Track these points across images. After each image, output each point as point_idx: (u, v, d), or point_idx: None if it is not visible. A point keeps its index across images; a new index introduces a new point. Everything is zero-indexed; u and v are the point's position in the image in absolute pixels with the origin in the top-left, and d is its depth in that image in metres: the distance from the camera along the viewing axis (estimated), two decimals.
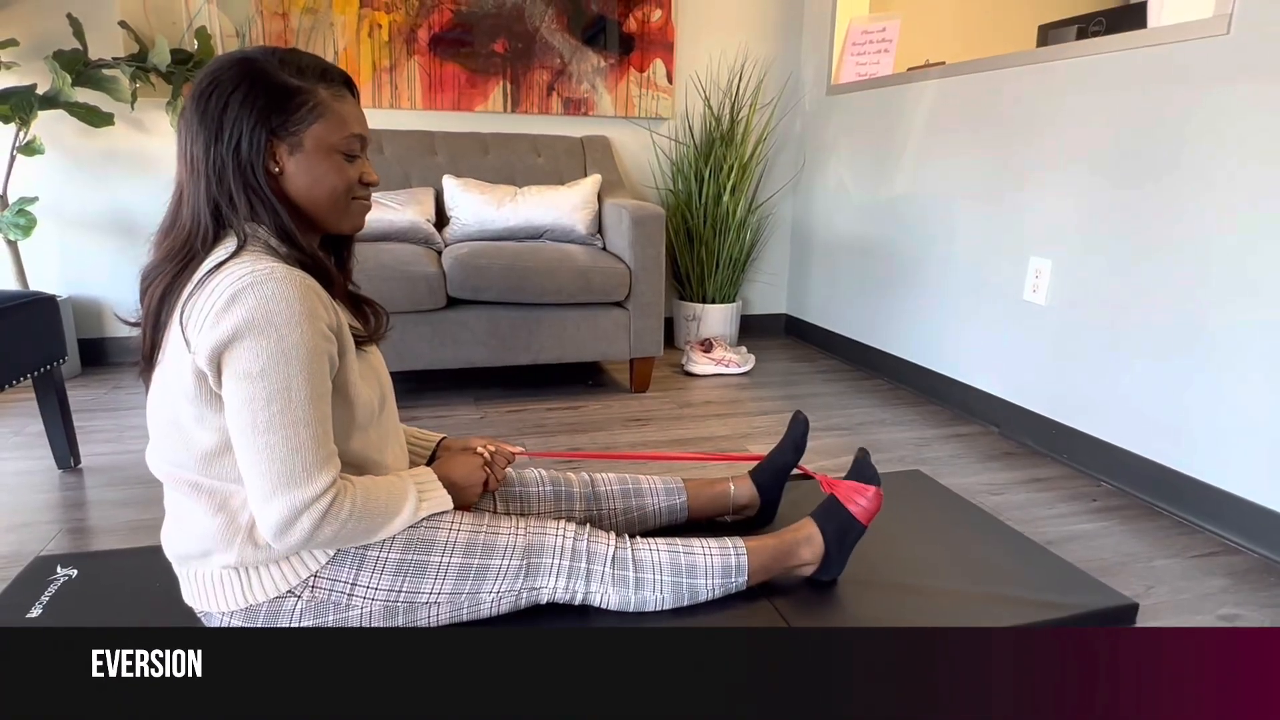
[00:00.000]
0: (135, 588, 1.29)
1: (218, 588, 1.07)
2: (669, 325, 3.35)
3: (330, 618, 1.09)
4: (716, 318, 3.18)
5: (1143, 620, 1.34)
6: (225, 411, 0.98)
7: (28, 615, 1.21)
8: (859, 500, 1.32)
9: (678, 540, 1.27)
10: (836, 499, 1.35)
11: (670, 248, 3.24)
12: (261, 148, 1.01)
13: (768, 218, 3.45)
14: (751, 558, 1.29)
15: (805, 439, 1.56)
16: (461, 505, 1.26)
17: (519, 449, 1.39)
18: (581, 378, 2.75)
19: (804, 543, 1.33)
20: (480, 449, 1.32)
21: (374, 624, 1.12)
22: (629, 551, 1.23)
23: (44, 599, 1.25)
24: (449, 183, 2.74)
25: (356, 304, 1.22)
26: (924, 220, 2.59)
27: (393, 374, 2.79)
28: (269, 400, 0.96)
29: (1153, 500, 1.83)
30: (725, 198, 3.08)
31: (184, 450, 1.03)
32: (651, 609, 1.24)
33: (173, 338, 1.00)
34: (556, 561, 1.19)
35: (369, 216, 2.34)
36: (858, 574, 1.40)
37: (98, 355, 2.84)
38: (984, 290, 2.34)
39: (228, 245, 1.01)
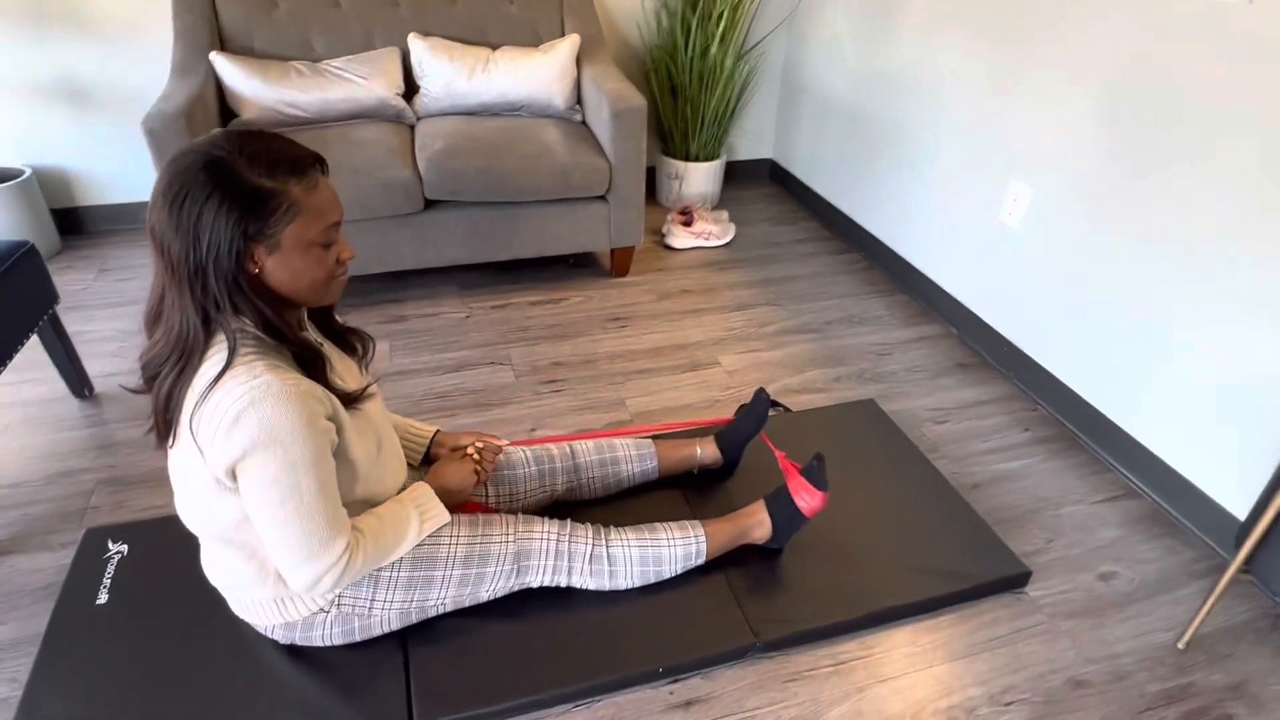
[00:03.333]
0: (185, 564, 1.49)
1: (258, 610, 1.29)
2: (651, 177, 3.29)
3: (355, 625, 1.32)
4: (699, 176, 3.12)
5: (1032, 584, 1.60)
6: (244, 504, 1.12)
7: (97, 602, 1.43)
8: (807, 498, 1.50)
9: (646, 535, 1.47)
10: (788, 491, 1.53)
11: (653, 101, 3.08)
12: (240, 254, 1.04)
13: (760, 58, 3.23)
14: (710, 542, 1.51)
15: (766, 416, 1.71)
16: (458, 504, 1.44)
17: (504, 442, 1.54)
18: (563, 259, 2.78)
19: (756, 525, 1.55)
20: (470, 448, 1.47)
21: (392, 626, 1.35)
22: (604, 549, 1.44)
23: (106, 581, 1.47)
24: (416, 45, 2.54)
25: (344, 338, 1.30)
26: (915, 102, 2.48)
27: (377, 275, 2.80)
28: (282, 502, 1.09)
29: (1078, 433, 2.03)
30: (713, 48, 2.87)
31: (210, 518, 1.18)
32: (624, 588, 1.48)
33: (185, 433, 1.10)
34: (542, 563, 1.40)
35: (334, 94, 2.40)
36: (798, 535, 1.62)
37: (75, 225, 2.82)
38: (961, 198, 2.33)
39: (219, 349, 1.07)
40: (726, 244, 2.95)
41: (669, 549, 1.48)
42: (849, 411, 2.03)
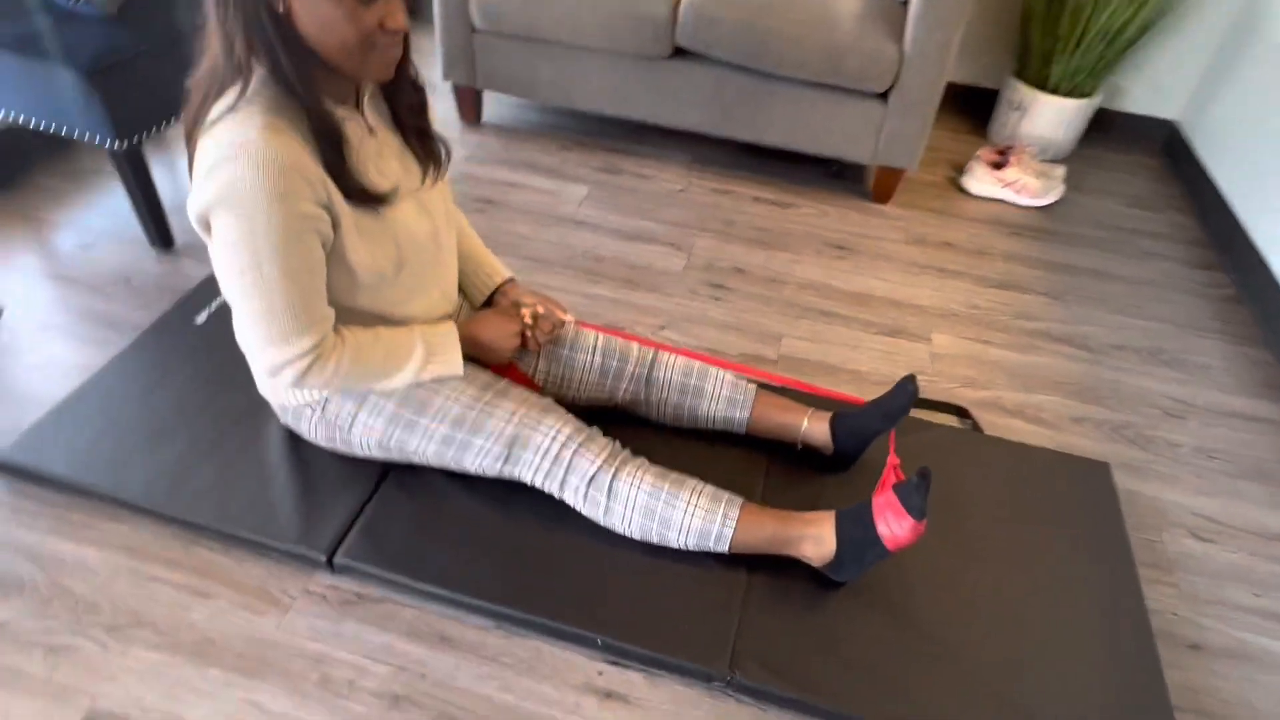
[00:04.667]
0: None
1: (260, 381, 1.26)
2: (987, 102, 2.61)
3: (337, 436, 1.24)
4: (1050, 114, 2.39)
5: None
6: None
7: (195, 321, 1.53)
8: (892, 524, 1.09)
9: (666, 486, 1.18)
10: (871, 509, 1.12)
11: (1024, 5, 2.37)
12: None
13: None
14: (741, 532, 1.17)
15: (902, 413, 1.25)
16: (499, 366, 1.27)
17: (569, 318, 1.31)
18: (823, 163, 2.34)
19: (810, 540, 1.16)
20: (526, 312, 1.27)
21: (372, 453, 1.25)
22: (609, 479, 1.18)
23: (213, 306, 1.57)
24: None
25: (418, 138, 1.15)
26: None
27: (610, 118, 2.61)
28: (241, 271, 0.99)
29: None
30: None
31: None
32: (619, 532, 1.21)
33: None
34: (536, 461, 1.19)
35: None
36: (877, 577, 1.19)
37: None
38: None
39: (232, 92, 0.97)
40: (1042, 207, 2.26)
41: (685, 515, 1.16)
42: (1064, 467, 1.43)
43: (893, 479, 1.16)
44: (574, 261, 1.87)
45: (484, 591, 1.14)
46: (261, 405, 1.35)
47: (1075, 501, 1.37)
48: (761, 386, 1.39)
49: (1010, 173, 2.24)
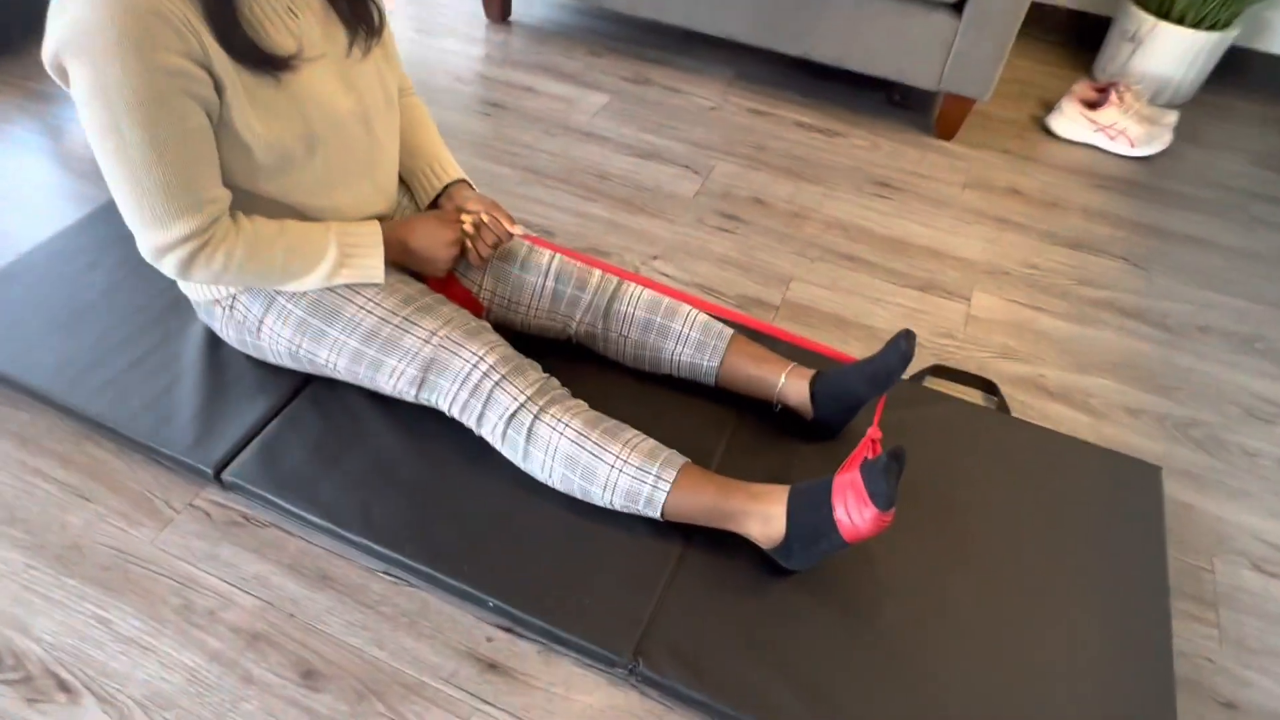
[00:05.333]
0: None
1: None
2: (1097, 33, 2.23)
3: (248, 340, 1.12)
4: (1171, 49, 2.01)
5: None
6: None
7: None
8: (854, 510, 0.89)
9: (594, 434, 1.00)
10: (830, 488, 0.92)
11: None
12: None
13: None
14: (675, 497, 0.99)
15: (892, 379, 1.03)
16: (421, 274, 1.12)
17: (518, 230, 1.13)
18: (885, 88, 2.04)
19: (757, 517, 0.98)
20: (467, 219, 1.10)
21: (284, 362, 1.13)
22: (530, 419, 1.01)
23: None
24: None
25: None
26: None
27: (647, 22, 2.37)
28: (102, 135, 0.86)
29: None
30: None
31: None
32: (540, 479, 1.05)
33: None
34: (454, 389, 1.04)
35: None
36: (836, 581, 1.00)
37: None
38: None
39: None
40: (1141, 158, 1.91)
41: (612, 470, 0.99)
42: (1102, 465, 1.18)
43: (866, 455, 0.96)
44: (573, 176, 1.67)
45: (374, 530, 1.01)
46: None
47: (1108, 508, 1.12)
48: (745, 334, 1.18)
49: (1107, 114, 1.89)
